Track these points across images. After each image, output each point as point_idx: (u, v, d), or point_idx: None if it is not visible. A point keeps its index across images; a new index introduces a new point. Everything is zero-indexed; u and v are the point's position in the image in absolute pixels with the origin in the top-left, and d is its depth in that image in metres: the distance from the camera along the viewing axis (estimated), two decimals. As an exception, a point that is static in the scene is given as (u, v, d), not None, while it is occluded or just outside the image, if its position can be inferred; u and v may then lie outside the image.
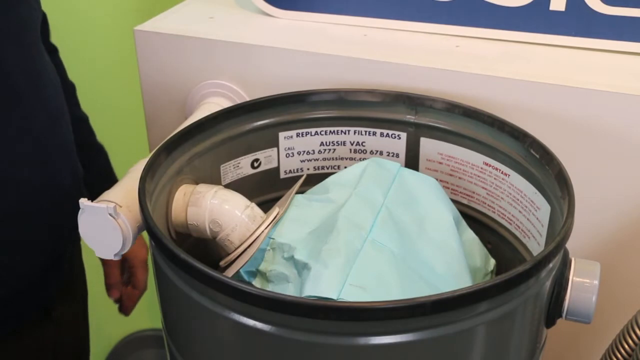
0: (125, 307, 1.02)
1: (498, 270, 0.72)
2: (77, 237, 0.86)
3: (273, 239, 0.64)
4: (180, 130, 0.69)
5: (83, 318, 0.92)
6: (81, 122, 0.98)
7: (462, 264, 0.65)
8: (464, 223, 0.72)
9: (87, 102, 1.11)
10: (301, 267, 0.61)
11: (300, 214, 0.67)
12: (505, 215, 0.73)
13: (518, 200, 0.70)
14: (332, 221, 0.64)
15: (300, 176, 0.78)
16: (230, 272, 0.62)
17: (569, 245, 0.57)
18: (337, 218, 0.64)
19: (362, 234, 0.62)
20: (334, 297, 0.56)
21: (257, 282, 0.64)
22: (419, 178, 0.72)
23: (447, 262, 0.64)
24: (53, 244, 0.76)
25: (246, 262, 0.62)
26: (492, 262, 0.72)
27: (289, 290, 0.62)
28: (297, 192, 0.70)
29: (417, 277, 0.61)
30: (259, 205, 0.68)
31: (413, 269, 0.62)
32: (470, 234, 0.72)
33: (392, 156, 0.79)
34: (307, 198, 0.70)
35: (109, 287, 0.98)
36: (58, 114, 0.77)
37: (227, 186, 0.74)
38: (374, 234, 0.63)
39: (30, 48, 0.75)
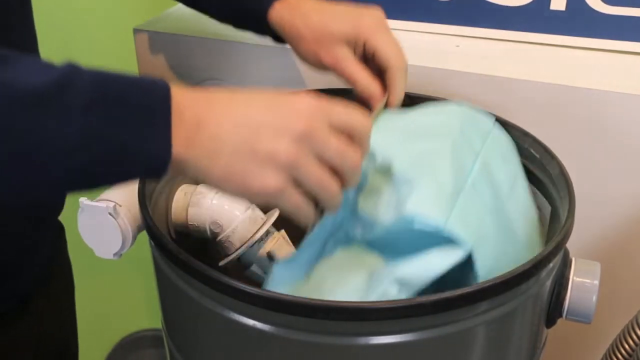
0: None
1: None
2: (57, 227, 0.84)
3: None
4: (180, 130, 0.69)
5: (68, 314, 0.89)
6: None
7: (537, 237, 0.61)
8: None
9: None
10: (401, 182, 0.56)
11: (386, 125, 0.61)
12: (505, 215, 0.72)
13: (518, 200, 0.70)
14: (437, 149, 0.58)
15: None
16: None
17: (569, 245, 0.57)
18: (443, 147, 0.58)
19: (464, 176, 0.57)
20: (442, 224, 0.53)
21: (360, 199, 0.59)
22: (508, 138, 0.66)
23: (527, 229, 0.60)
24: (25, 230, 0.73)
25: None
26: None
27: (381, 205, 0.57)
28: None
29: (506, 235, 0.57)
30: (259, 205, 0.68)
31: (503, 225, 0.57)
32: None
33: (392, 156, 0.79)
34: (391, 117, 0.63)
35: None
36: None
37: (227, 186, 0.74)
38: (473, 178, 0.58)
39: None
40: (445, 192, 0.55)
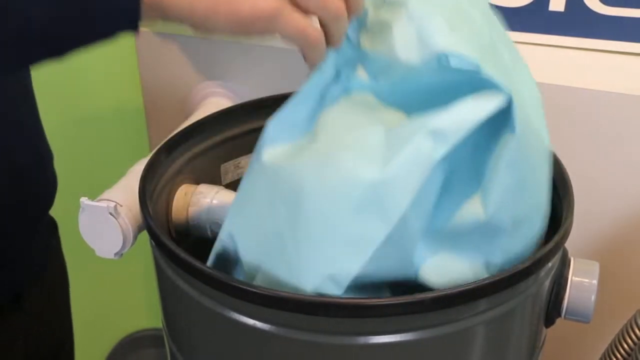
0: None
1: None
2: (49, 223, 0.84)
3: None
4: (181, 130, 0.69)
5: (64, 311, 0.88)
6: None
7: (543, 124, 0.53)
8: None
9: (87, 102, 1.12)
10: (423, 15, 0.47)
11: None
12: (504, 215, 0.72)
13: (517, 200, 0.70)
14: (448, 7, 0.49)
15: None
16: None
17: (568, 244, 0.57)
18: (454, 11, 0.49)
19: (482, 37, 0.49)
20: (476, 65, 0.46)
21: (364, 39, 0.51)
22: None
23: (534, 111, 0.51)
24: (18, 225, 0.73)
25: None
26: None
27: (397, 42, 0.48)
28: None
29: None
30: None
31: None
32: None
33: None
34: None
35: None
36: (16, 94, 0.73)
37: (228, 186, 0.74)
38: (488, 43, 0.50)
39: None
40: (473, 40, 0.47)
